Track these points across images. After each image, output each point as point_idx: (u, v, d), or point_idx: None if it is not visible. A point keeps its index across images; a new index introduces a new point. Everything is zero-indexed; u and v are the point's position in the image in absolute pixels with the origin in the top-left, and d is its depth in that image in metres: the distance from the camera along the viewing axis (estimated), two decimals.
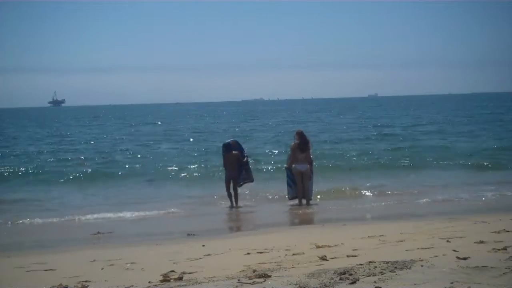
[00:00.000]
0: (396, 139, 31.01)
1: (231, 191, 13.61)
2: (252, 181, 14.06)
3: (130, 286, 6.12)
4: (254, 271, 6.32)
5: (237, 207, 13.54)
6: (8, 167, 21.65)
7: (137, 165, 22.28)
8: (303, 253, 7.38)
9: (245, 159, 13.75)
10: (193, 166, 21.17)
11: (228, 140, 14.31)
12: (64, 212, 13.16)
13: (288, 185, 13.85)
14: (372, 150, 25.39)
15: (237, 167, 13.57)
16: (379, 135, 33.85)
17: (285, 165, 14.32)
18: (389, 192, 15.23)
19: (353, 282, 5.51)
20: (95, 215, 12.74)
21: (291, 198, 13.83)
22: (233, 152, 13.64)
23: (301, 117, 68.15)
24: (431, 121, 47.33)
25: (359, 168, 20.00)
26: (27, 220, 12.35)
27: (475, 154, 22.99)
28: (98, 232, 10.88)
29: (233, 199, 13.58)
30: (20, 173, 20.46)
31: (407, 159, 22.02)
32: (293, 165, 13.68)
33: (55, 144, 34.40)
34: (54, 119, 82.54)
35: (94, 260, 7.82)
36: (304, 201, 13.64)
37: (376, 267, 6.07)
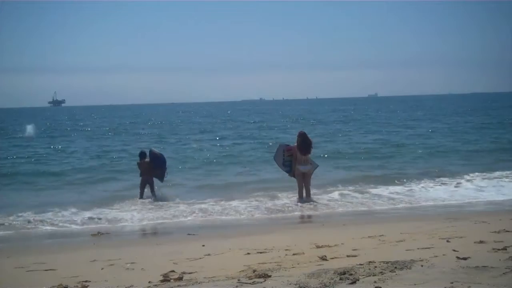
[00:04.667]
0: None
1: (150, 192, 14.80)
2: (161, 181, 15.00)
3: (130, 286, 6.11)
4: (254, 271, 6.32)
5: (154, 197, 14.55)
6: None
7: None
8: (303, 253, 7.37)
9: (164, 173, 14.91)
10: None
11: (155, 151, 15.38)
12: None
13: None
14: None
15: (151, 173, 14.76)
16: None
17: (288, 173, 14.35)
18: None
19: (353, 282, 5.50)
20: None
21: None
22: (146, 160, 14.93)
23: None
24: None
25: None
26: None
27: None
28: (99, 232, 10.89)
29: (151, 193, 14.71)
30: None
31: None
32: (296, 166, 13.77)
33: None
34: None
35: (94, 260, 7.82)
36: (304, 202, 13.67)
37: (376, 267, 6.07)
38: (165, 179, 15.08)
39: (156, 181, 14.93)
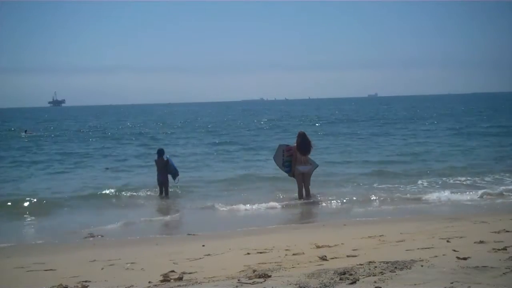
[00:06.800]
0: None
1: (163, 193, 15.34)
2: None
3: (130, 286, 6.11)
4: (254, 271, 6.32)
5: (167, 197, 15.11)
6: None
7: None
8: (303, 253, 7.37)
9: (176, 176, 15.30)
10: None
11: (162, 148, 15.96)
12: None
13: None
14: None
15: (165, 172, 15.24)
16: None
17: (288, 174, 14.33)
18: None
19: (353, 282, 5.50)
20: None
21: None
22: (163, 157, 15.39)
23: None
24: None
25: None
26: None
27: None
28: (99, 235, 10.84)
29: (163, 192, 15.25)
30: None
31: None
32: (295, 166, 13.79)
33: None
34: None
35: (94, 260, 7.82)
36: (304, 202, 13.70)
37: (376, 267, 6.07)
38: (177, 181, 15.42)
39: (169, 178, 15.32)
